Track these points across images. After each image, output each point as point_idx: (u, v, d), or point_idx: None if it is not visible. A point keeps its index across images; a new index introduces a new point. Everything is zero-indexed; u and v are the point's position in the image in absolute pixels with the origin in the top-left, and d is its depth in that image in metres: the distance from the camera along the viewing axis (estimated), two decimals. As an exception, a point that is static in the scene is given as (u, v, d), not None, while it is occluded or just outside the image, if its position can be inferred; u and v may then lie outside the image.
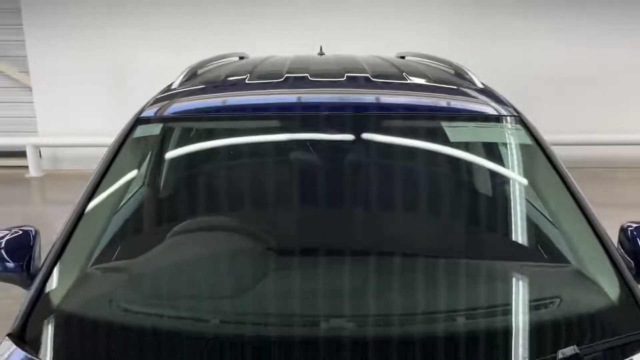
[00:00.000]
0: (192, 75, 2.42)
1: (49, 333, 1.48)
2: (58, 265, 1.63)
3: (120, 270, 1.77)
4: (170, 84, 2.31)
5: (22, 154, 7.27)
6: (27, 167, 7.29)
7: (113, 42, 7.17)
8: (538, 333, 1.45)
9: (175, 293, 1.64)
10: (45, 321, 1.50)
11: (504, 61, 7.08)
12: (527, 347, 1.40)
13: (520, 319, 1.51)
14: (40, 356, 1.38)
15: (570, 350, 1.32)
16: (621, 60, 7.16)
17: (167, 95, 2.17)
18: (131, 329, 1.51)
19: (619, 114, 7.32)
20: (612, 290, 1.58)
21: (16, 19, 7.15)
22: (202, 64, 2.61)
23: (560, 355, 1.31)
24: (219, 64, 2.84)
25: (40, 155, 7.39)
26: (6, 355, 1.41)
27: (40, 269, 1.66)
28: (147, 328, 1.51)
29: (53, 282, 1.60)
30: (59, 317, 1.52)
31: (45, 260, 1.68)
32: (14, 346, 1.42)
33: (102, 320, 1.54)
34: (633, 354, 1.39)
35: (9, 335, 1.47)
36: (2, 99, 7.49)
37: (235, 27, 6.98)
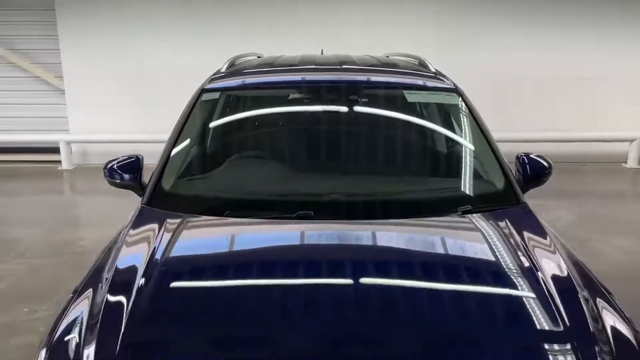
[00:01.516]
0: (232, 65, 3.44)
1: (163, 198, 2.55)
2: (162, 176, 2.65)
3: (199, 179, 2.85)
4: (219, 70, 3.32)
5: (54, 150, 8.21)
6: (59, 161, 8.23)
7: (136, 51, 8.10)
8: (454, 199, 2.55)
9: (231, 183, 2.75)
10: (160, 196, 2.57)
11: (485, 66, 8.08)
12: (444, 205, 2.48)
13: (445, 194, 2.61)
14: (162, 208, 2.46)
15: (467, 207, 2.39)
16: (590, 68, 8.13)
17: (219, 75, 3.20)
18: (207, 198, 2.59)
19: (588, 115, 8.26)
20: (501, 186, 2.64)
21: (53, 30, 8.12)
22: (235, 59, 3.63)
23: (460, 210, 2.38)
24: (247, 59, 3.84)
25: (71, 151, 8.35)
26: (139, 210, 2.49)
27: (150, 178, 2.66)
28: (213, 198, 2.59)
29: (160, 182, 2.62)
30: (167, 194, 2.59)
31: (152, 175, 2.70)
32: (145, 206, 2.51)
33: (189, 194, 2.67)
34: (505, 208, 2.47)
35: (142, 204, 2.52)
36: (40, 101, 8.46)
37: (247, 37, 7.90)
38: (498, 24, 8.03)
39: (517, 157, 2.85)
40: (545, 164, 2.81)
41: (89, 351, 1.66)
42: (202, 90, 3.04)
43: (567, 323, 1.71)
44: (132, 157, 2.81)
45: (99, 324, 1.75)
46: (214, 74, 3.24)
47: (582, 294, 1.88)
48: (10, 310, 3.89)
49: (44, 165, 8.30)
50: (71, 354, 1.69)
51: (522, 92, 8.18)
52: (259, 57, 4.28)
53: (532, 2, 7.96)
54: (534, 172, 2.77)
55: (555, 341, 1.69)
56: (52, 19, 8.08)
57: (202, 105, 3.02)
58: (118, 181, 2.74)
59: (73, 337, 1.74)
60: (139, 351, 1.71)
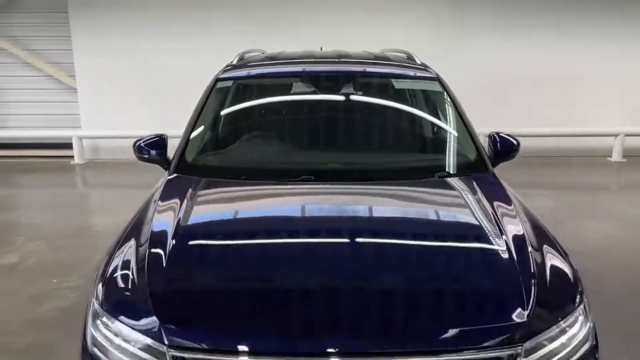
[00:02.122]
0: (241, 58, 3.88)
1: (187, 168, 2.99)
2: (185, 150, 3.08)
3: (216, 153, 3.31)
4: (230, 62, 3.75)
5: (67, 145, 8.61)
6: (72, 156, 8.63)
7: (144, 51, 8.51)
8: (433, 166, 3.01)
9: (245, 155, 3.22)
10: (185, 166, 3.01)
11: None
12: (424, 171, 2.95)
13: (425, 163, 3.08)
14: (187, 174, 2.90)
15: (444, 173, 2.87)
16: (579, 67, 8.58)
17: (231, 67, 3.64)
18: (225, 166, 3.05)
19: (578, 111, 8.68)
20: (473, 158, 3.09)
21: (65, 31, 8.56)
22: (243, 54, 4.06)
23: (437, 175, 2.85)
24: (253, 54, 4.27)
25: (83, 146, 8.74)
26: (167, 178, 2.92)
27: (175, 154, 3.08)
28: (231, 166, 3.05)
29: (184, 154, 3.06)
30: (190, 164, 3.04)
31: (177, 149, 3.11)
32: (172, 174, 2.94)
33: (210, 163, 3.14)
34: (477, 174, 2.92)
35: (169, 173, 2.94)
36: (53, 99, 8.91)
37: (247, 37, 8.25)
38: (496, 25, 8.47)
39: (489, 136, 3.29)
40: (513, 141, 3.24)
41: (142, 282, 2.05)
42: (217, 80, 3.48)
43: (516, 263, 2.13)
44: (158, 136, 3.23)
45: (146, 262, 2.13)
46: (227, 66, 3.68)
47: (530, 242, 2.28)
48: (41, 281, 4.31)
49: (58, 160, 8.73)
50: (125, 284, 2.09)
51: (520, 91, 8.60)
52: (263, 52, 4.71)
53: (529, 4, 8.41)
54: (504, 148, 3.21)
55: (507, 278, 2.10)
56: (65, 20, 8.52)
57: (217, 92, 3.45)
58: (146, 156, 3.15)
59: (125, 273, 2.13)
60: (180, 282, 2.11)
